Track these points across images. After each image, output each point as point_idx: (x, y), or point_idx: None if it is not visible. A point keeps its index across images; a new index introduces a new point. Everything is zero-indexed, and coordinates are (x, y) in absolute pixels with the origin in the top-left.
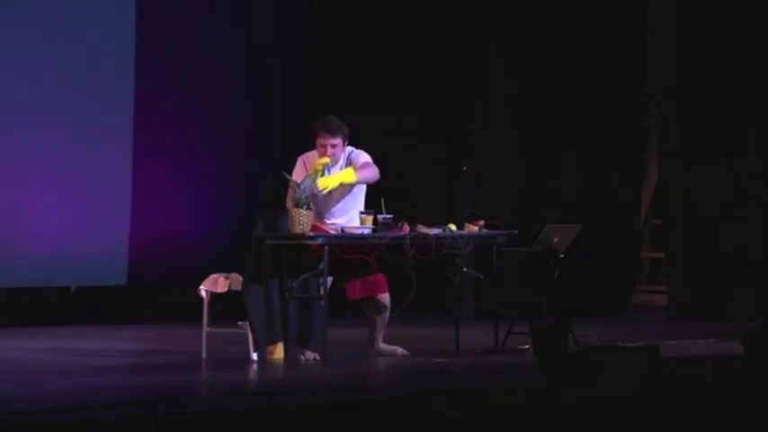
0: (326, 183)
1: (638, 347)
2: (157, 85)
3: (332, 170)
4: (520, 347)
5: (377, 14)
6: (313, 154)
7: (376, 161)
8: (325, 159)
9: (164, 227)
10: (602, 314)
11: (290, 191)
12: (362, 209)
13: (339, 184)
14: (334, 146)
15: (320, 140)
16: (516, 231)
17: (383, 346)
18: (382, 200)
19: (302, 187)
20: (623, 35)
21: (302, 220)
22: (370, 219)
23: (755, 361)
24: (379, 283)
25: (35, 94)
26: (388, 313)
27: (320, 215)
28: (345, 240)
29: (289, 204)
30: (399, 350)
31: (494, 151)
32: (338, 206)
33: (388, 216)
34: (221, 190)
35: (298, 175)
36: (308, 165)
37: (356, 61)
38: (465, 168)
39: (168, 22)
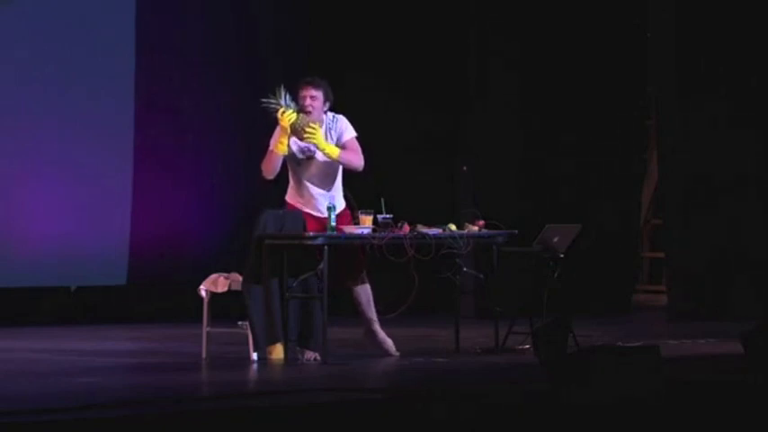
0: (317, 132)
1: (639, 347)
2: (158, 86)
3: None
4: (520, 347)
5: (377, 14)
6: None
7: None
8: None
9: (164, 227)
10: (602, 314)
11: (275, 134)
12: (340, 180)
13: (321, 149)
14: (313, 98)
15: (301, 92)
16: (516, 231)
17: (379, 331)
18: (382, 200)
19: (285, 103)
20: (623, 35)
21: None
22: (369, 219)
23: (756, 360)
24: (356, 265)
25: (35, 93)
26: (368, 286)
27: (299, 183)
28: (345, 240)
29: (272, 143)
30: (392, 348)
31: (494, 151)
32: (319, 173)
33: (388, 216)
34: (221, 190)
35: (275, 138)
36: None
37: (356, 61)
38: (465, 168)
39: (169, 21)
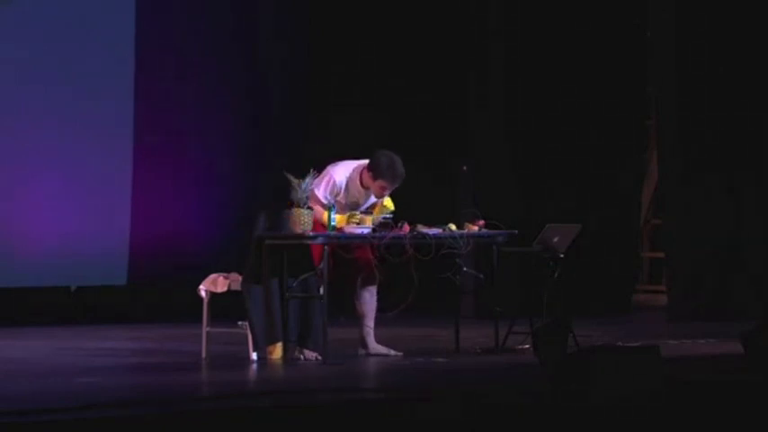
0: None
1: (639, 347)
2: (158, 85)
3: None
4: (520, 347)
5: (377, 14)
6: (350, 179)
7: None
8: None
9: (164, 226)
10: (602, 314)
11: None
12: None
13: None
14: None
15: (383, 184)
16: (516, 231)
17: (377, 345)
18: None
19: (303, 187)
20: (623, 35)
21: (303, 220)
22: (369, 219)
23: (756, 360)
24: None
25: (35, 93)
26: (375, 303)
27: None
28: (345, 240)
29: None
30: (392, 351)
31: (494, 151)
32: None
33: (388, 216)
34: (221, 189)
35: (323, 188)
36: (347, 187)
37: (356, 60)
38: (465, 168)
39: (169, 21)
